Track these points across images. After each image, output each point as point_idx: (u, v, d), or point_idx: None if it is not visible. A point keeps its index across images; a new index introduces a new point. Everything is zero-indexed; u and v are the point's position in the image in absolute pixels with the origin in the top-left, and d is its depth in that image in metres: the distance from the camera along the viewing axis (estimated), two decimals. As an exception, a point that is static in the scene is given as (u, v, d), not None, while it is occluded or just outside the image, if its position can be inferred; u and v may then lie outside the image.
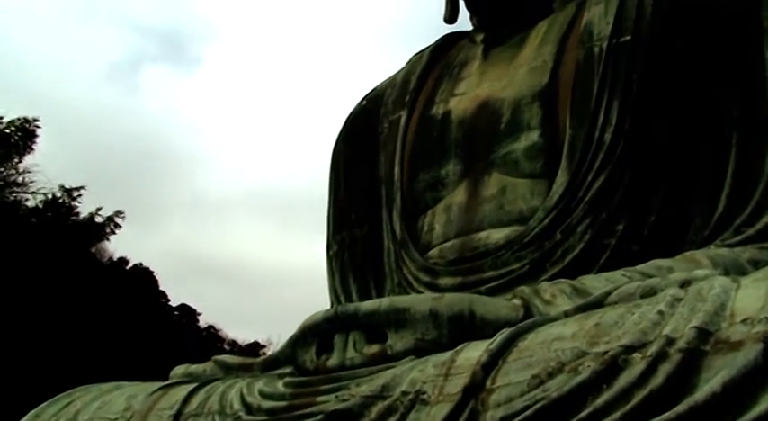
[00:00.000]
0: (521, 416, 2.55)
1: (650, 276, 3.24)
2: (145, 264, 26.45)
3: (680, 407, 2.29)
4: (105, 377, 4.64)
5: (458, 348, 2.97)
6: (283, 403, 3.24)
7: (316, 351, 3.39)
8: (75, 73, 55.58)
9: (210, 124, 60.57)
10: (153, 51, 67.42)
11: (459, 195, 4.37)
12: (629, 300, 2.88)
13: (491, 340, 2.86)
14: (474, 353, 2.85)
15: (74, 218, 23.46)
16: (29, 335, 18.80)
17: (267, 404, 3.28)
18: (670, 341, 2.43)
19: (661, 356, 2.41)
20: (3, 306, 18.37)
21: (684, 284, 2.77)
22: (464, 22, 5.07)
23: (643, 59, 4.03)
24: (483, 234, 4.17)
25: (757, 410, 2.21)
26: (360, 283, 4.96)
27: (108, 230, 23.88)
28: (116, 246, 25.87)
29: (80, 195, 23.46)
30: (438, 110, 4.70)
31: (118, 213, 23.93)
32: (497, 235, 4.11)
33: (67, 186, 23.31)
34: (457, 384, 2.77)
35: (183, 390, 3.65)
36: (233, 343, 31.31)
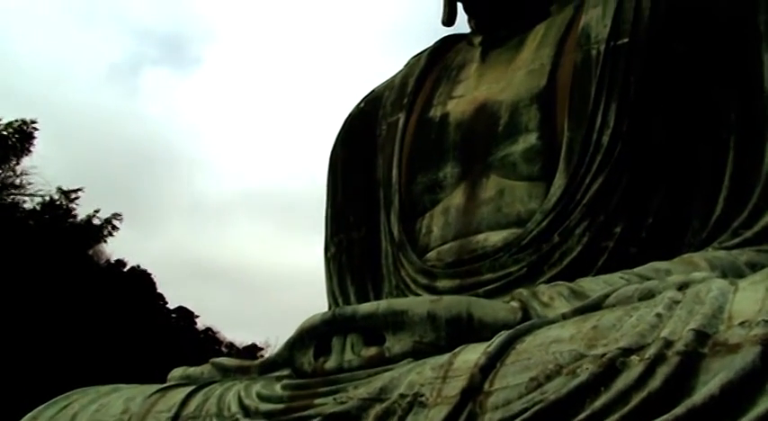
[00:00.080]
0: (519, 419, 2.55)
1: (648, 279, 3.24)
2: (142, 267, 26.45)
3: (678, 410, 2.29)
4: (103, 379, 4.64)
5: (456, 351, 2.96)
6: (281, 406, 3.23)
7: (313, 353, 3.39)
8: (74, 75, 55.62)
9: (209, 126, 60.58)
10: (152, 54, 67.50)
11: (456, 198, 4.37)
12: (627, 303, 2.88)
13: (489, 342, 2.86)
14: (472, 355, 2.85)
15: (71, 220, 23.46)
16: (26, 338, 18.78)
17: (265, 406, 3.28)
18: (668, 343, 2.44)
19: (659, 359, 2.41)
20: (0, 308, 18.34)
21: (682, 287, 2.77)
22: (462, 24, 5.08)
23: (641, 62, 4.04)
24: (481, 236, 4.17)
25: (755, 413, 2.21)
26: (358, 286, 4.96)
27: (105, 232, 23.89)
28: (113, 249, 25.88)
29: (78, 197, 23.48)
30: (436, 112, 4.70)
31: (115, 215, 23.95)
32: (495, 237, 4.11)
33: (65, 188, 23.33)
34: (455, 387, 2.77)
35: (181, 393, 3.65)
36: (231, 345, 31.29)
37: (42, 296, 19.57)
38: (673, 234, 3.88)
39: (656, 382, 2.37)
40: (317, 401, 3.12)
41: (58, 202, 23.26)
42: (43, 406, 4.04)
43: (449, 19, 5.03)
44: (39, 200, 23.11)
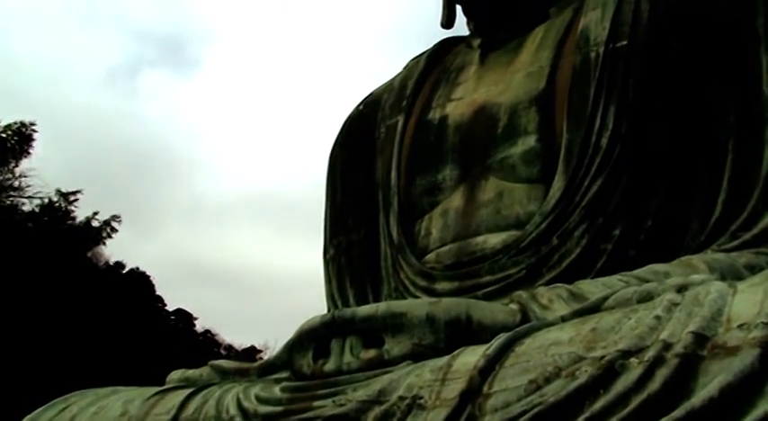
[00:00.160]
0: (518, 421, 2.55)
1: (647, 281, 3.24)
2: (141, 269, 26.44)
3: (677, 412, 2.29)
4: (102, 382, 4.64)
5: (455, 353, 2.96)
6: (280, 408, 3.23)
7: (312, 356, 3.39)
8: (73, 76, 55.61)
9: (209, 128, 60.57)
10: (152, 55, 67.45)
11: (456, 200, 4.37)
12: (626, 305, 2.88)
13: (488, 345, 2.86)
14: (471, 357, 2.85)
15: (70, 222, 23.46)
16: (25, 340, 18.76)
17: (264, 409, 3.27)
18: (667, 346, 2.44)
19: (658, 361, 2.41)
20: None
21: (681, 289, 2.77)
22: (461, 26, 5.09)
23: (639, 64, 4.04)
24: (480, 238, 4.17)
25: (754, 415, 2.21)
26: (357, 288, 4.96)
27: (104, 234, 23.89)
28: (112, 251, 25.88)
29: (76, 199, 23.48)
30: (435, 114, 4.70)
31: (114, 217, 23.95)
32: (494, 239, 4.11)
33: (64, 190, 23.33)
34: (454, 389, 2.76)
35: (180, 395, 3.65)
36: (229, 347, 31.25)
37: (41, 298, 19.56)
38: (671, 236, 3.88)
39: (655, 385, 2.37)
40: (316, 404, 3.11)
41: (56, 204, 23.27)
42: (42, 408, 4.04)
43: (448, 21, 5.03)
44: (37, 202, 23.14)
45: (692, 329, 2.44)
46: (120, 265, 25.86)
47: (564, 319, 3.00)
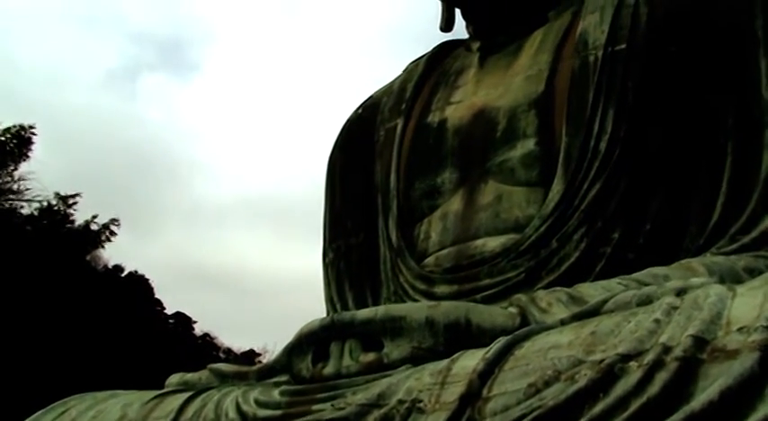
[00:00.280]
0: (517, 425, 2.55)
1: (646, 284, 3.24)
2: (140, 272, 26.45)
3: (677, 416, 2.28)
4: (100, 385, 4.63)
5: (454, 356, 2.96)
6: (279, 412, 3.23)
7: (312, 359, 3.38)
8: (73, 79, 55.68)
9: (208, 131, 60.69)
10: (151, 58, 67.54)
11: (455, 203, 4.37)
12: (626, 309, 2.88)
13: (487, 348, 2.86)
14: (470, 361, 2.85)
15: (69, 225, 23.46)
16: (24, 343, 18.75)
17: (263, 412, 3.27)
18: (666, 349, 2.43)
19: (657, 365, 2.41)
20: (-3, 314, 18.32)
21: (680, 292, 2.76)
22: (460, 30, 5.09)
23: (638, 68, 4.04)
24: (479, 242, 4.17)
25: (754, 418, 2.21)
26: (356, 291, 4.95)
27: (103, 238, 23.91)
28: (111, 254, 25.88)
29: (75, 203, 23.50)
30: (434, 118, 4.70)
31: (113, 221, 23.98)
32: (493, 243, 4.11)
33: (63, 194, 23.34)
34: (453, 392, 2.76)
35: (179, 399, 3.64)
36: (228, 351, 31.27)
37: (40, 301, 19.55)
38: (671, 239, 3.88)
39: (654, 388, 2.37)
40: (315, 407, 3.11)
41: (55, 208, 23.28)
42: (40, 412, 4.03)
43: (447, 25, 5.04)
44: (36, 205, 23.15)
45: (692, 333, 2.44)
46: (118, 268, 25.88)
47: (563, 323, 2.99)
